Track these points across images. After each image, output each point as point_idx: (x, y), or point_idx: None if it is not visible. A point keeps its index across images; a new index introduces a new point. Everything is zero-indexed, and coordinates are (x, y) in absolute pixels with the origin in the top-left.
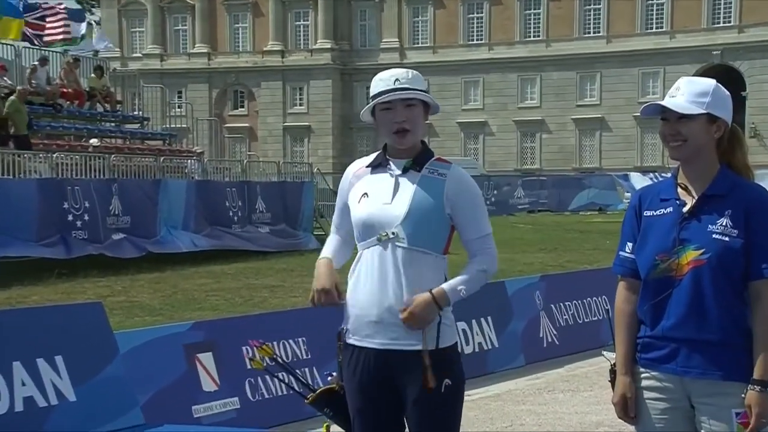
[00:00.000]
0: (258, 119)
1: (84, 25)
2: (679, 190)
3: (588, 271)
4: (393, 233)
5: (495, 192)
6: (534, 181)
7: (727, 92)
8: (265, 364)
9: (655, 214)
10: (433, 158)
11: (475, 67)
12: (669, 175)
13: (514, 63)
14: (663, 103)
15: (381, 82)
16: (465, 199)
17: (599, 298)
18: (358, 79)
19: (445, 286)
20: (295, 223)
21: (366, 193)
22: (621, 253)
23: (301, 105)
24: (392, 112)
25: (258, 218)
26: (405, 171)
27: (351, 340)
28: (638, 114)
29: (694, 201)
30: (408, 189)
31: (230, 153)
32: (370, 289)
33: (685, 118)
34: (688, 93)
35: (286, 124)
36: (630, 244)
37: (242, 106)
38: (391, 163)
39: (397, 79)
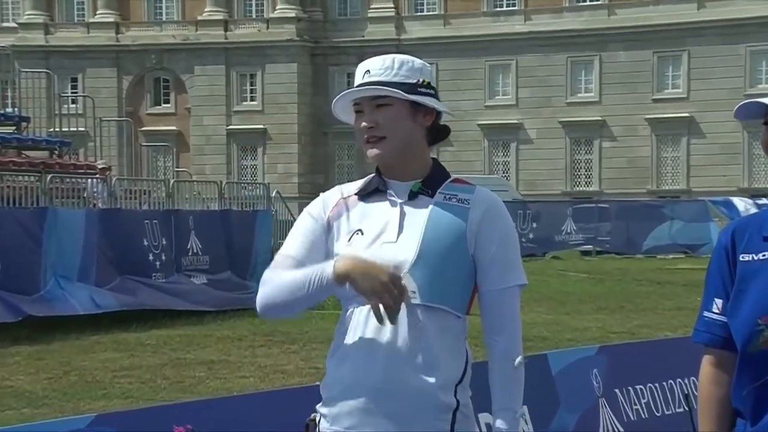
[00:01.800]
0: (190, 120)
1: None
2: None
3: (669, 341)
4: None
5: (534, 225)
6: (590, 210)
7: None
8: None
9: (756, 258)
10: (449, 180)
11: (504, 46)
12: None
13: (562, 39)
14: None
15: (358, 72)
16: (493, 232)
17: (685, 381)
18: (337, 61)
19: (498, 421)
20: (244, 269)
21: (360, 230)
22: (706, 314)
23: (253, 99)
24: (362, 114)
25: (190, 263)
26: (412, 197)
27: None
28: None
29: None
30: (418, 222)
31: (150, 169)
32: (362, 364)
33: None
34: None
35: (231, 127)
36: (719, 302)
37: (167, 101)
38: (390, 187)
39: (367, 71)
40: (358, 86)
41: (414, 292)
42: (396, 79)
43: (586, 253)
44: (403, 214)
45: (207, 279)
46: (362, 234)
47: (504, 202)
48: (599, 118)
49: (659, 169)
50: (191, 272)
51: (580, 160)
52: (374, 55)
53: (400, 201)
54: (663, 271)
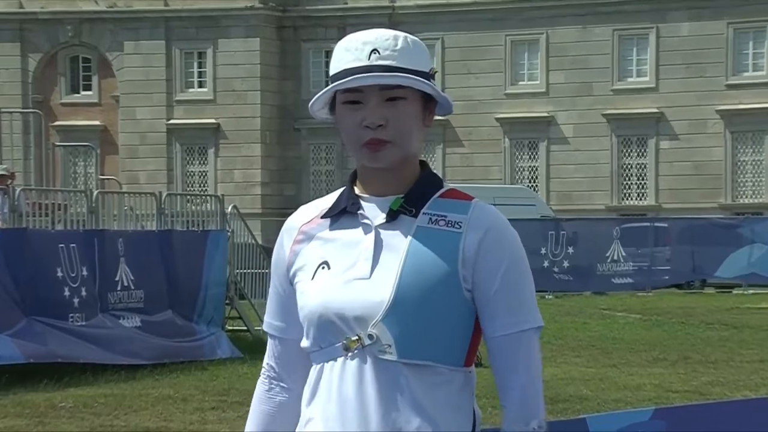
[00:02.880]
0: (119, 113)
1: None
2: None
3: (749, 402)
4: (371, 336)
5: (570, 250)
6: (644, 231)
7: None
8: None
9: None
10: (440, 192)
11: (531, 16)
12: None
13: (607, 6)
14: None
15: (347, 53)
16: (496, 262)
17: None
18: (311, 35)
19: None
20: (189, 308)
21: (326, 262)
22: None
23: (201, 86)
24: (363, 108)
25: (119, 300)
26: (391, 218)
27: None
28: None
29: None
30: (396, 252)
31: (65, 176)
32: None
33: None
34: None
35: (173, 121)
36: None
37: (88, 88)
38: (363, 205)
39: (374, 50)
40: (364, 68)
41: (389, 346)
42: (413, 66)
43: (638, 287)
44: (379, 242)
45: (141, 321)
46: (328, 267)
47: (530, 220)
48: (655, 111)
49: (735, 177)
50: (120, 312)
51: (630, 165)
52: (360, 29)
53: (375, 224)
54: (741, 311)
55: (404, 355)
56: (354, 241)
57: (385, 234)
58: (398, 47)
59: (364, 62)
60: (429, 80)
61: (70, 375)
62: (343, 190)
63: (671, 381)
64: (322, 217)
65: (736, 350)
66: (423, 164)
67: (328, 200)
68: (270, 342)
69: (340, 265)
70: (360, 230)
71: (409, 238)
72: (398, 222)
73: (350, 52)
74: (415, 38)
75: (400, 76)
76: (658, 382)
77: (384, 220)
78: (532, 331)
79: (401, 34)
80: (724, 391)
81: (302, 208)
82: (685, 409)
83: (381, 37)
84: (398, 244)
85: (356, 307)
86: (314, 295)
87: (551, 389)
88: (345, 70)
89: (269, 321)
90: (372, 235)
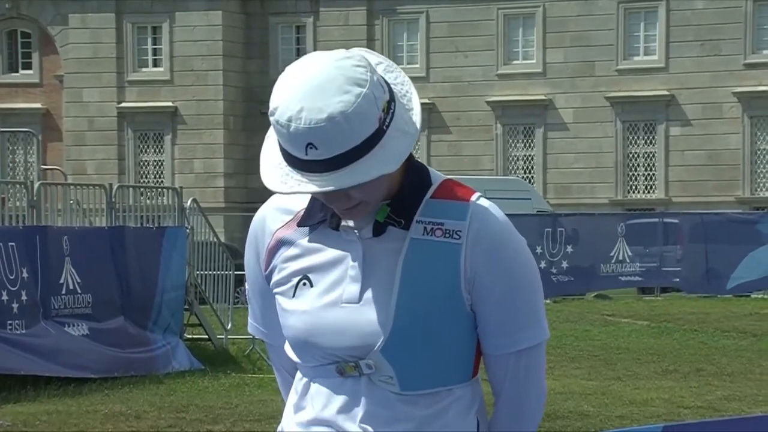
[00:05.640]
0: (63, 94)
1: None
2: None
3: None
4: (369, 365)
5: (569, 249)
6: (652, 227)
7: None
8: None
9: None
10: (431, 191)
11: None
12: None
13: None
14: None
15: (281, 132)
16: (493, 273)
17: None
18: (279, 9)
19: None
20: (144, 315)
21: (306, 278)
22: None
23: (156, 65)
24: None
25: (64, 306)
26: (378, 231)
27: None
28: None
29: None
30: (388, 272)
31: (3, 166)
32: None
33: None
34: None
35: (124, 104)
36: None
37: (27, 67)
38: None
39: (310, 144)
40: (303, 167)
41: (390, 378)
42: (356, 139)
43: (645, 290)
44: (367, 259)
45: (89, 329)
46: (310, 285)
47: (525, 215)
48: (665, 93)
49: (754, 168)
50: (65, 319)
51: (637, 154)
52: (334, 3)
53: (361, 238)
54: (760, 317)
55: (409, 387)
56: (338, 257)
57: (372, 250)
58: (334, 134)
59: (303, 155)
60: (383, 130)
61: (9, 389)
62: None
63: (682, 395)
64: (299, 225)
65: (755, 361)
66: (408, 163)
67: (303, 199)
68: (266, 345)
69: (323, 283)
70: (344, 244)
71: (402, 254)
72: (387, 236)
73: (282, 137)
74: (341, 87)
75: (359, 173)
76: (668, 397)
77: (370, 233)
78: (538, 348)
79: (327, 110)
80: (741, 406)
81: (274, 205)
82: (698, 426)
83: (317, 129)
84: (389, 262)
85: (346, 337)
86: (297, 317)
87: (548, 404)
88: (284, 149)
89: (252, 323)
90: (359, 251)
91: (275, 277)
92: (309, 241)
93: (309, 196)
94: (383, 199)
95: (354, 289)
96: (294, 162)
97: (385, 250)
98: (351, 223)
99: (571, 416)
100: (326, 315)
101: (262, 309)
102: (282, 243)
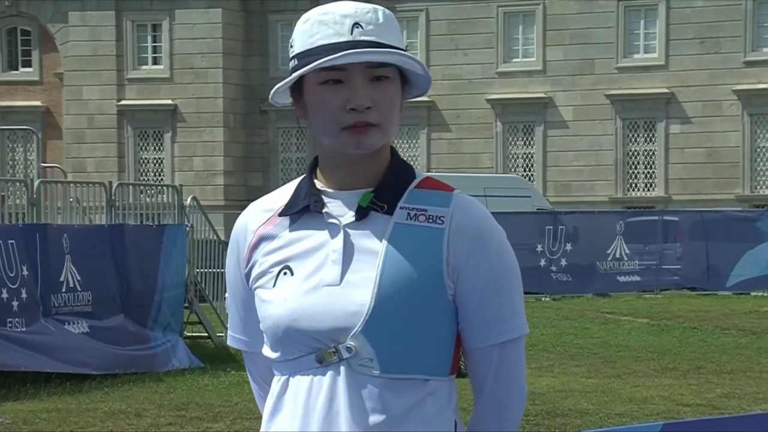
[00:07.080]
0: (63, 92)
1: None
2: None
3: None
4: (349, 348)
5: (568, 247)
6: (652, 225)
7: None
8: None
9: None
10: (416, 182)
11: None
12: None
13: None
14: None
15: (323, 27)
16: (476, 273)
17: None
18: (279, 7)
19: None
20: (143, 313)
21: (287, 267)
22: None
23: (156, 63)
24: (344, 88)
25: (64, 304)
26: (360, 215)
27: None
28: None
29: None
30: (370, 255)
31: (3, 164)
32: None
33: None
34: None
35: (124, 102)
36: None
37: (27, 65)
38: (327, 201)
39: (356, 24)
40: (348, 44)
41: (370, 360)
42: (394, 43)
43: (645, 288)
44: (348, 244)
45: (89, 327)
46: (291, 273)
47: (525, 213)
48: (665, 91)
49: (754, 166)
50: (65, 317)
51: (636, 152)
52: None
53: (344, 222)
54: (760, 315)
55: (388, 369)
56: (319, 243)
57: (355, 234)
58: (380, 22)
59: (347, 37)
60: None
61: (9, 387)
62: (301, 182)
63: (682, 393)
64: (280, 215)
65: (755, 359)
66: (392, 151)
67: (284, 194)
68: (243, 354)
69: (305, 270)
70: (326, 231)
71: (386, 237)
72: (370, 220)
73: (328, 26)
74: (390, 12)
75: (393, 52)
76: (668, 395)
77: (353, 218)
78: (517, 342)
79: (379, 8)
80: (740, 404)
81: (254, 207)
82: (698, 425)
83: (361, 10)
84: (372, 245)
85: (327, 318)
86: (277, 305)
87: (548, 402)
88: (322, 46)
89: (231, 334)
90: (340, 236)
91: (255, 271)
92: (290, 230)
93: (291, 193)
94: (367, 185)
95: (335, 271)
96: (336, 47)
97: (366, 235)
98: (332, 211)
99: (571, 414)
100: (307, 299)
101: (243, 317)
102: (263, 239)
